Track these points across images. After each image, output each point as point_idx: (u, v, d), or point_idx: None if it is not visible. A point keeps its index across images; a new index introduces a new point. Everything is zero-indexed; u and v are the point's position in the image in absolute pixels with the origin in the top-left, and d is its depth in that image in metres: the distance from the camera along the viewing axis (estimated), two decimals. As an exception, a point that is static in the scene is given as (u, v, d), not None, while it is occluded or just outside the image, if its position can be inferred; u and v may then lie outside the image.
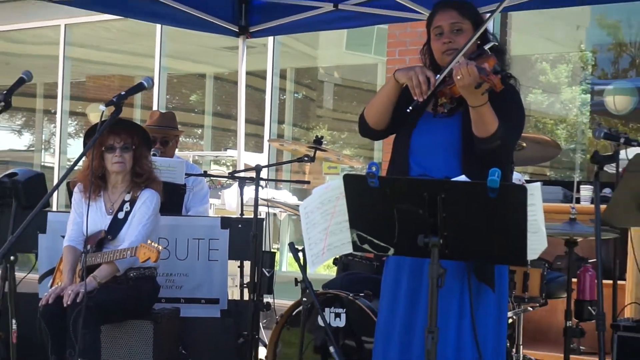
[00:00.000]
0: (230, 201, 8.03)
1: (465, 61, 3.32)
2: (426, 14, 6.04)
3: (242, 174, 6.14)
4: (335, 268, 5.41)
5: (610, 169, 4.10)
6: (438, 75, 3.49)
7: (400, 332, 3.59)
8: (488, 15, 6.78)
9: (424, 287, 3.49)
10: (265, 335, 5.58)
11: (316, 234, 3.20)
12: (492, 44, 3.63)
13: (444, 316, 3.44)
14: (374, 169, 3.00)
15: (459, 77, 3.29)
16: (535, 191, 2.93)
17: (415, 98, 3.46)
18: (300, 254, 4.44)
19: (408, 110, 3.53)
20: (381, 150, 8.52)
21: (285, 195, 8.30)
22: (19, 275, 3.85)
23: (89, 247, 4.91)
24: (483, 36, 3.67)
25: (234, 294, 5.97)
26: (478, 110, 3.39)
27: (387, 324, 3.68)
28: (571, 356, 4.63)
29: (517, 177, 5.13)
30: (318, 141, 5.44)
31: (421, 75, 3.47)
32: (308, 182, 8.09)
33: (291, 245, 4.31)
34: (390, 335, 3.64)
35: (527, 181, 6.03)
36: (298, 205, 5.71)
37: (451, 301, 3.50)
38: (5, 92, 4.08)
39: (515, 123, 3.62)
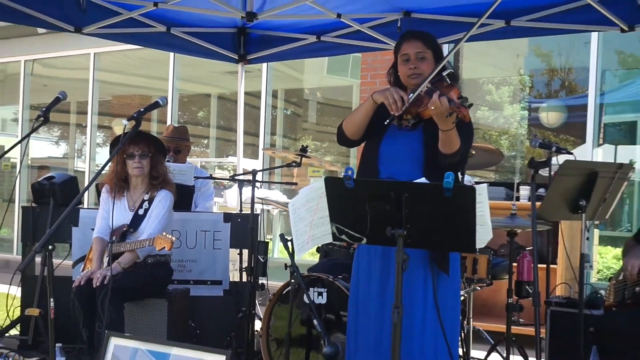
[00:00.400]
0: (231, 199, 8.01)
1: (438, 93, 3.30)
2: (392, 44, 6.07)
3: (241, 177, 6.13)
4: (318, 255, 5.41)
5: (544, 172, 4.12)
6: (410, 95, 3.50)
7: (375, 306, 3.60)
8: (446, 45, 6.79)
9: (392, 269, 3.50)
10: (260, 310, 5.57)
11: (302, 226, 3.20)
12: (449, 71, 3.63)
13: (412, 296, 3.47)
14: (350, 172, 3.01)
15: (433, 108, 3.30)
16: (482, 191, 2.94)
17: (392, 113, 3.49)
18: (289, 244, 4.44)
19: (385, 123, 3.55)
20: (356, 157, 8.54)
21: (277, 194, 8.28)
22: (56, 261, 3.83)
23: (114, 238, 4.90)
24: (443, 66, 3.65)
25: (234, 276, 5.95)
26: (447, 133, 3.40)
27: (364, 299, 3.68)
28: (512, 327, 4.64)
29: (468, 179, 5.14)
30: (304, 150, 5.44)
31: (396, 94, 3.51)
32: (295, 184, 8.10)
33: (281, 236, 4.30)
34: (367, 308, 3.65)
35: (476, 183, 6.06)
36: (287, 203, 5.71)
37: (417, 284, 3.51)
38: (44, 109, 4.07)
39: (469, 141, 3.64)
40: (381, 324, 3.56)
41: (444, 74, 3.59)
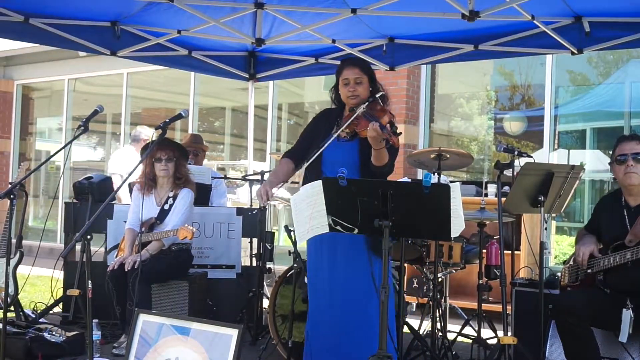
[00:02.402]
0: (243, 196, 7.99)
1: (372, 121, 3.43)
2: (378, 66, 6.09)
3: (251, 177, 6.11)
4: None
5: (508, 173, 4.10)
6: (344, 126, 3.63)
7: (325, 289, 3.73)
8: (423, 66, 6.76)
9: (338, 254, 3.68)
10: (267, 290, 5.55)
11: (302, 218, 3.17)
12: (381, 93, 3.74)
13: (359, 275, 3.57)
14: (343, 173, 3.01)
15: (368, 132, 3.42)
16: (456, 189, 2.93)
17: (260, 203, 3.61)
18: (292, 234, 4.42)
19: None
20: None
21: (282, 192, 8.24)
22: (93, 249, 3.81)
23: (143, 229, 4.88)
24: (374, 86, 3.79)
25: (245, 261, 5.92)
26: (378, 151, 3.53)
27: (317, 284, 3.80)
28: (483, 304, 4.62)
29: (444, 179, 5.11)
30: (304, 154, 5.40)
31: (262, 189, 3.74)
32: (298, 183, 8.04)
33: (286, 227, 4.29)
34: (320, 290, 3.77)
35: (451, 182, 6.04)
36: (290, 199, 5.69)
37: (363, 265, 3.57)
38: (84, 120, 4.05)
39: (394, 156, 3.70)
40: (330, 297, 3.71)
41: (377, 95, 3.71)
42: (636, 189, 3.75)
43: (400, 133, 3.54)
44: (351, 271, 3.64)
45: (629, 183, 3.73)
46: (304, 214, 3.16)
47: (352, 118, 3.59)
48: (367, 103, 3.65)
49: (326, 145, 3.58)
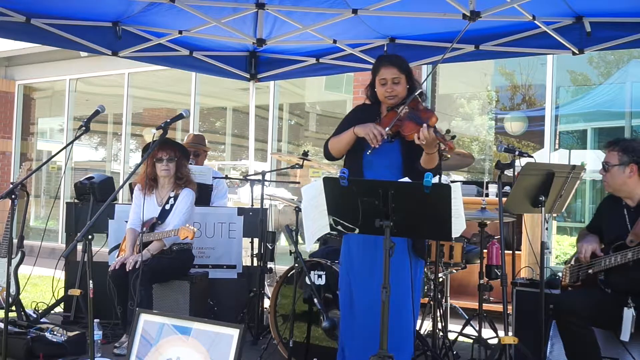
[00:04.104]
0: (244, 196, 7.99)
1: (426, 126, 3.31)
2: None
3: (252, 177, 6.11)
4: (317, 242, 5.39)
5: (509, 173, 4.10)
6: (387, 128, 3.49)
7: (366, 284, 3.60)
8: (424, 66, 6.76)
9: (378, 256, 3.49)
10: (268, 290, 5.55)
11: (309, 222, 3.18)
12: (419, 90, 3.65)
13: (400, 277, 3.47)
14: (344, 173, 3.00)
15: (420, 138, 3.30)
16: (456, 189, 2.92)
17: (372, 145, 3.48)
18: (293, 233, 4.42)
19: (367, 153, 3.54)
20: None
21: (282, 192, 8.26)
22: (94, 249, 3.81)
23: (144, 229, 4.88)
24: (412, 84, 3.68)
25: (246, 261, 5.93)
26: (431, 155, 3.43)
27: (356, 279, 3.68)
28: (484, 304, 4.62)
29: (444, 179, 5.11)
30: (305, 154, 5.41)
31: (375, 130, 3.50)
32: (298, 183, 8.07)
33: (287, 227, 4.29)
34: (360, 287, 3.64)
35: (452, 182, 6.04)
36: (292, 199, 5.69)
37: (405, 267, 3.53)
38: (85, 120, 4.05)
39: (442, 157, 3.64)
40: (374, 297, 3.55)
41: (416, 93, 3.61)
42: (623, 192, 3.78)
43: (455, 136, 3.39)
44: (392, 275, 3.54)
45: (607, 190, 3.80)
46: (309, 217, 3.16)
47: (395, 119, 3.48)
48: (407, 102, 3.52)
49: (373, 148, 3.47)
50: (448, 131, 3.34)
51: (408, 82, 3.66)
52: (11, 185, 4.19)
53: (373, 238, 3.34)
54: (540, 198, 3.86)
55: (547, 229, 4.02)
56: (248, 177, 6.02)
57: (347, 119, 3.85)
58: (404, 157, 3.60)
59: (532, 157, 4.08)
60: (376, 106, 3.78)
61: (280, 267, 5.58)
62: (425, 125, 3.31)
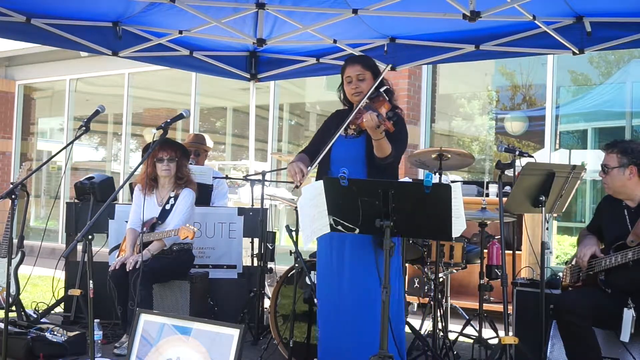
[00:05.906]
0: (244, 196, 7.99)
1: (370, 111, 3.39)
2: (381, 66, 6.07)
3: (252, 177, 6.10)
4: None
5: (509, 173, 4.10)
6: (349, 121, 3.53)
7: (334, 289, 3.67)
8: (425, 66, 6.78)
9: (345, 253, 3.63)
10: (268, 290, 5.55)
11: (307, 221, 3.18)
12: (386, 87, 3.69)
13: (367, 273, 3.51)
14: (344, 172, 3.00)
15: (365, 121, 3.38)
16: (457, 189, 2.93)
17: (295, 183, 3.50)
18: (293, 233, 4.42)
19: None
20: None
21: (283, 192, 8.24)
22: (94, 249, 3.80)
23: (144, 229, 4.88)
24: (380, 82, 3.70)
25: (246, 261, 5.92)
26: (378, 142, 3.47)
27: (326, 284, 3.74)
28: (484, 304, 4.62)
29: (445, 178, 5.12)
30: (305, 154, 5.40)
31: (296, 168, 3.55)
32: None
33: (287, 227, 4.29)
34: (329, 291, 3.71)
35: (452, 182, 6.04)
36: (292, 199, 5.69)
37: (370, 263, 3.51)
38: (85, 120, 4.05)
39: (402, 142, 3.70)
40: (339, 297, 3.65)
41: (382, 89, 3.64)
42: (623, 194, 3.79)
43: (396, 118, 3.46)
44: (359, 270, 3.59)
45: (607, 192, 3.80)
46: (308, 216, 3.16)
47: (354, 112, 3.55)
48: (368, 96, 3.59)
49: (332, 142, 3.52)
50: (392, 114, 3.43)
51: (375, 80, 3.70)
52: (11, 185, 4.19)
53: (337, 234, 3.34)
54: (541, 198, 3.86)
55: (547, 228, 4.02)
56: (248, 177, 6.02)
57: (320, 128, 3.97)
58: (367, 151, 3.64)
59: (532, 157, 4.08)
60: (349, 109, 3.85)
61: (280, 267, 5.58)
62: (370, 111, 3.38)
